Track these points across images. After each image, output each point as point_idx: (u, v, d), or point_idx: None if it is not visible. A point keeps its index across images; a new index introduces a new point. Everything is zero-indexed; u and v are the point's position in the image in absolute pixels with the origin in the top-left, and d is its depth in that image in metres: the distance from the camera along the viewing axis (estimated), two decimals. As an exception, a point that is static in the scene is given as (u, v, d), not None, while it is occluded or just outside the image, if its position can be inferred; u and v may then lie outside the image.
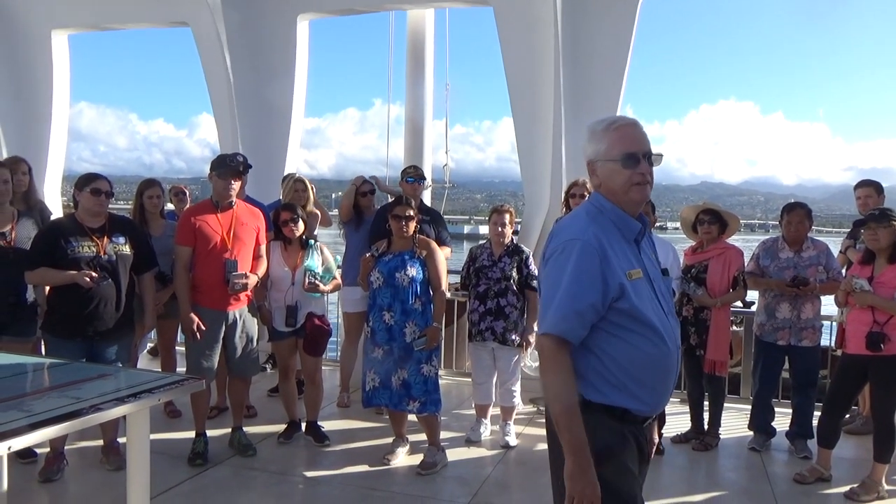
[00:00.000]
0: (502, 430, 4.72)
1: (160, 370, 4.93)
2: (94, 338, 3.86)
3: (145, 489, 3.00)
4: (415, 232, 4.32)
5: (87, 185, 3.88)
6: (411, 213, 4.26)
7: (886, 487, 3.98)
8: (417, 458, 4.30)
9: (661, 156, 2.03)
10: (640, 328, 1.95)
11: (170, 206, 5.70)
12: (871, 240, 3.99)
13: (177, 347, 5.19)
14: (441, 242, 5.21)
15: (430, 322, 4.22)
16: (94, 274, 3.75)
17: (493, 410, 4.92)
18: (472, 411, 5.03)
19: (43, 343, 4.03)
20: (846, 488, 4.01)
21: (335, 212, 5.90)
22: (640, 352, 1.95)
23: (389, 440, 4.52)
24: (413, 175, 5.32)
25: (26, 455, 4.10)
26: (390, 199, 5.48)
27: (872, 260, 4.04)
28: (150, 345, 6.09)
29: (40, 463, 4.01)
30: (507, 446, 4.61)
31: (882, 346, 3.85)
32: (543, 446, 4.61)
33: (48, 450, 4.00)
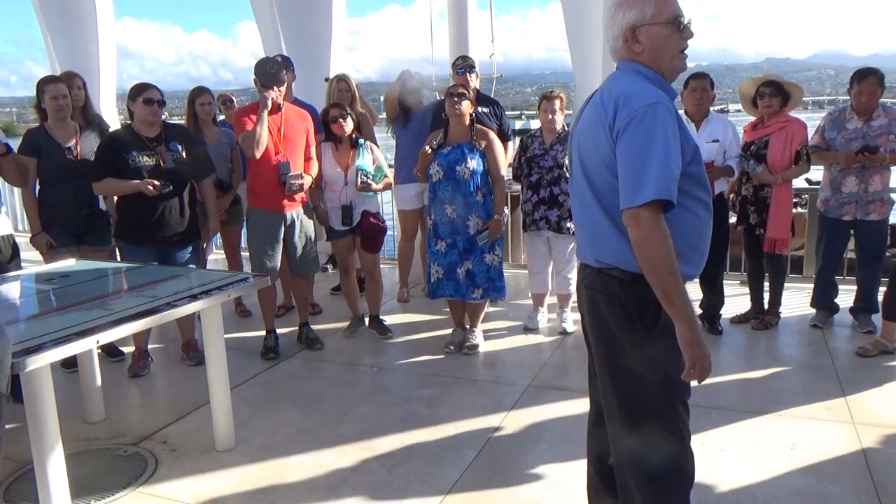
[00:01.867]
0: (559, 318, 4.81)
1: (228, 272, 5.16)
2: (163, 243, 4.05)
3: (224, 380, 3.23)
4: (472, 122, 4.29)
5: (139, 95, 3.96)
6: (465, 92, 4.27)
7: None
8: (488, 345, 4.51)
9: (691, 21, 1.95)
10: (700, 192, 1.93)
11: (221, 118, 5.76)
12: (949, 103, 3.74)
13: (242, 253, 5.41)
14: (503, 133, 5.16)
15: (491, 213, 4.27)
16: (156, 182, 3.88)
17: (550, 299, 5.00)
18: (529, 301, 5.12)
19: (118, 250, 4.25)
20: (911, 360, 3.98)
21: (382, 115, 5.85)
22: (697, 217, 1.94)
23: (450, 331, 4.68)
24: (462, 66, 5.20)
25: (114, 354, 4.43)
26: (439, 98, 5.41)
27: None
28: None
29: (128, 361, 4.33)
30: (564, 332, 4.71)
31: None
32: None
33: (133, 349, 4.31)
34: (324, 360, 4.45)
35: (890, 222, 4.69)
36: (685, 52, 1.96)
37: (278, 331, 4.62)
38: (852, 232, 4.63)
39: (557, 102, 4.57)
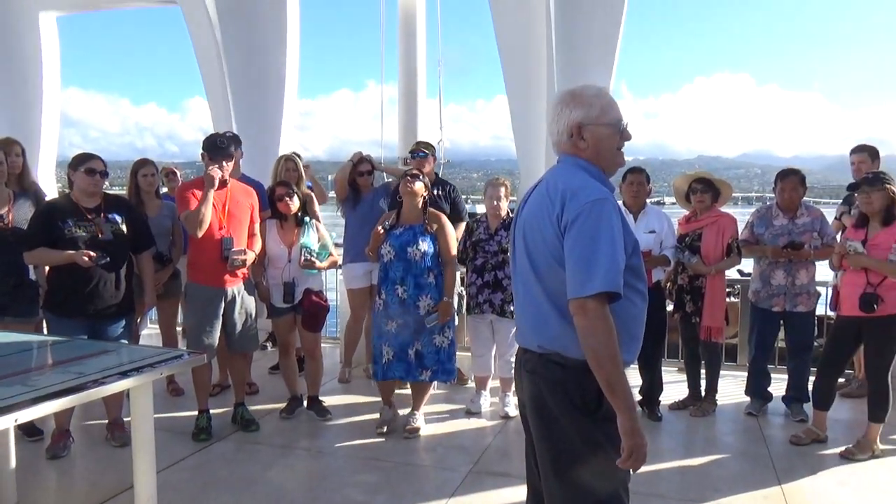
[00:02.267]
0: (502, 401, 4.77)
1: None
2: (94, 316, 3.89)
3: (151, 463, 3.05)
4: (425, 205, 4.36)
5: (81, 164, 3.89)
6: (419, 172, 4.37)
7: (881, 447, 4.05)
8: (430, 429, 4.44)
9: (628, 124, 2.12)
10: (638, 283, 2.01)
11: (163, 191, 5.69)
12: (865, 203, 4.02)
13: (178, 329, 5.24)
14: (459, 215, 5.25)
15: (442, 295, 4.28)
16: (92, 253, 3.77)
17: (493, 382, 4.98)
18: (472, 384, 5.08)
19: (45, 323, 4.06)
20: (842, 448, 4.07)
21: (331, 193, 5.90)
22: (635, 307, 2.01)
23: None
24: (420, 150, 5.34)
25: (33, 433, 4.16)
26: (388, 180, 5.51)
27: (866, 223, 4.07)
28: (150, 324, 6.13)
29: (47, 440, 4.06)
30: (506, 416, 4.67)
31: (875, 307, 3.89)
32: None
33: (54, 427, 4.05)
34: (258, 442, 4.27)
35: (817, 314, 4.91)
36: (622, 150, 2.11)
37: (212, 411, 4.43)
38: (782, 322, 4.81)
39: (503, 189, 4.70)
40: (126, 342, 3.96)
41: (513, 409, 4.70)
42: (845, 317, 4.11)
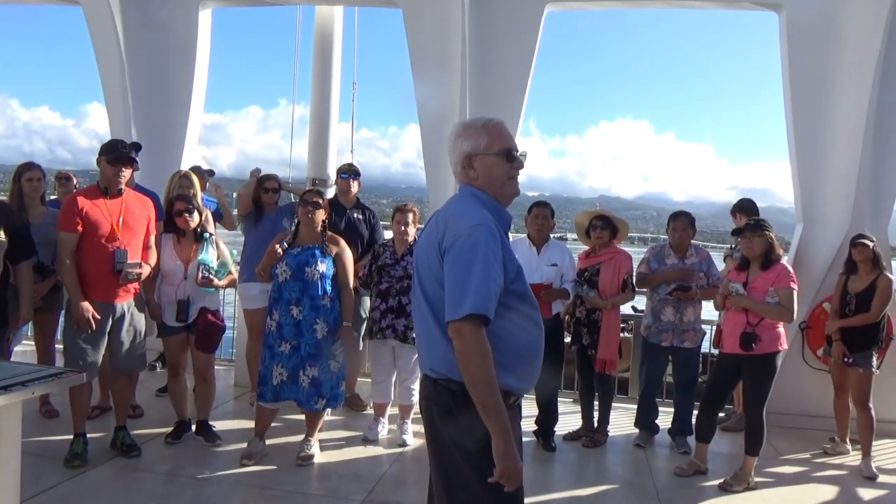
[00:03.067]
0: (400, 429, 4.72)
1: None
2: (-40, 329, 3.57)
3: (14, 492, 2.79)
4: (324, 227, 4.28)
5: (-43, 165, 3.59)
6: (320, 201, 4.24)
7: (756, 478, 4.29)
8: (324, 456, 4.32)
9: (525, 154, 2.16)
10: (527, 308, 2.06)
11: (52, 197, 5.34)
12: (747, 248, 4.30)
13: (56, 346, 4.88)
14: (375, 243, 5.21)
15: (338, 318, 4.20)
16: (-38, 260, 3.47)
17: (392, 409, 4.92)
18: (370, 410, 5.01)
19: None
20: (720, 480, 4.27)
21: (235, 211, 5.73)
22: (526, 332, 2.05)
23: (286, 439, 4.44)
24: (348, 171, 5.30)
25: None
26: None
27: (748, 267, 4.35)
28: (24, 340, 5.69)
29: None
30: (403, 444, 4.62)
31: (754, 345, 4.15)
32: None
33: None
34: (139, 469, 4.01)
35: (702, 351, 5.18)
36: (515, 179, 2.14)
37: (89, 435, 4.13)
38: (670, 357, 5.04)
39: (410, 215, 4.71)
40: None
41: (410, 438, 4.66)
42: (726, 354, 4.36)
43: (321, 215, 4.25)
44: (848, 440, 5.00)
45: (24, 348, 5.56)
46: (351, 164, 5.53)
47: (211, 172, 5.91)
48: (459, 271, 1.93)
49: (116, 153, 3.97)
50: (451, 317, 1.91)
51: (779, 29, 5.59)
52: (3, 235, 3.72)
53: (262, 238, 4.96)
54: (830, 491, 4.36)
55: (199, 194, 5.00)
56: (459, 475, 1.98)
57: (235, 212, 5.68)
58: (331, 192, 5.74)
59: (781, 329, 4.26)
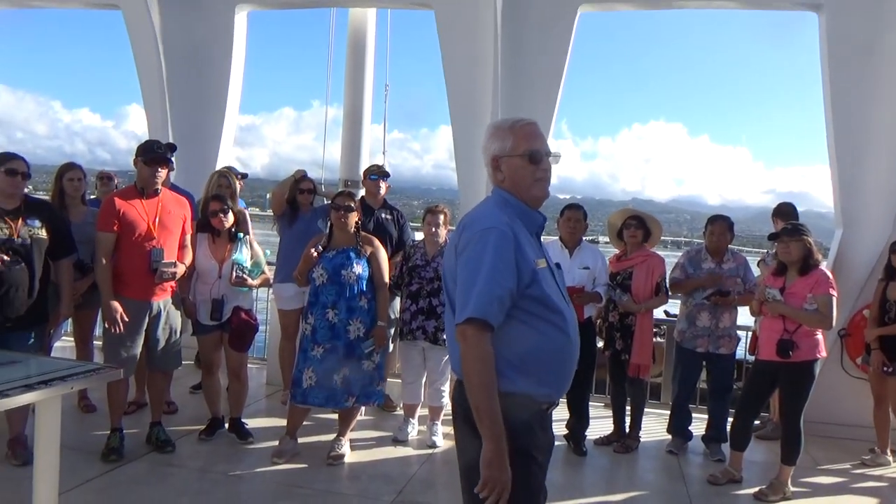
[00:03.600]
0: (429, 430, 4.73)
1: (75, 362, 4.72)
2: (3, 324, 3.66)
3: (53, 483, 2.86)
4: (357, 228, 4.30)
5: (1, 164, 3.70)
6: (352, 204, 4.26)
7: (792, 489, 4.19)
8: (355, 456, 4.34)
9: (559, 155, 2.13)
10: (549, 315, 2.01)
11: (92, 197, 5.46)
12: (784, 252, 4.20)
13: (95, 342, 4.99)
14: (403, 243, 5.23)
15: (374, 320, 4.22)
16: (4, 257, 3.58)
17: (422, 411, 4.92)
18: (401, 411, 5.02)
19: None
20: (755, 489, 4.19)
21: (269, 211, 5.79)
22: (548, 338, 2.01)
23: (318, 438, 4.48)
24: (376, 172, 5.32)
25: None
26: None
27: (785, 272, 4.25)
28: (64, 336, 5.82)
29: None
30: (433, 446, 4.62)
31: (791, 353, 4.06)
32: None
33: (-52, 442, 3.77)
34: (173, 464, 4.08)
35: (737, 357, 5.07)
36: (543, 181, 2.09)
37: (126, 430, 4.21)
38: (705, 363, 4.95)
39: (441, 217, 4.71)
40: (35, 353, 3.73)
41: (440, 440, 4.66)
42: (763, 361, 4.27)
43: (354, 217, 4.27)
44: (889, 451, 4.86)
45: (64, 344, 5.70)
46: (379, 166, 5.55)
47: (244, 175, 5.99)
48: (466, 275, 1.95)
49: (153, 154, 4.04)
50: (457, 319, 1.93)
51: (819, 29, 5.47)
52: (44, 233, 3.81)
53: (297, 239, 4.99)
54: (869, 503, 4.24)
55: (238, 194, 5.06)
56: (477, 477, 1.97)
57: (269, 211, 5.74)
58: (362, 192, 5.77)
59: (820, 336, 4.16)
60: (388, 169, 5.74)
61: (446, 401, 4.78)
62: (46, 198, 4.74)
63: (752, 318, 4.89)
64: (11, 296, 3.66)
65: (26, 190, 3.91)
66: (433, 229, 4.68)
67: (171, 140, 6.06)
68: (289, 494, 3.77)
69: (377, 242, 4.39)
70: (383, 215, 5.26)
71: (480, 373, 1.88)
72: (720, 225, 4.89)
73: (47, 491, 2.84)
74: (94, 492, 3.63)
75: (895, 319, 4.61)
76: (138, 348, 4.10)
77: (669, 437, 5.01)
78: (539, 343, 1.99)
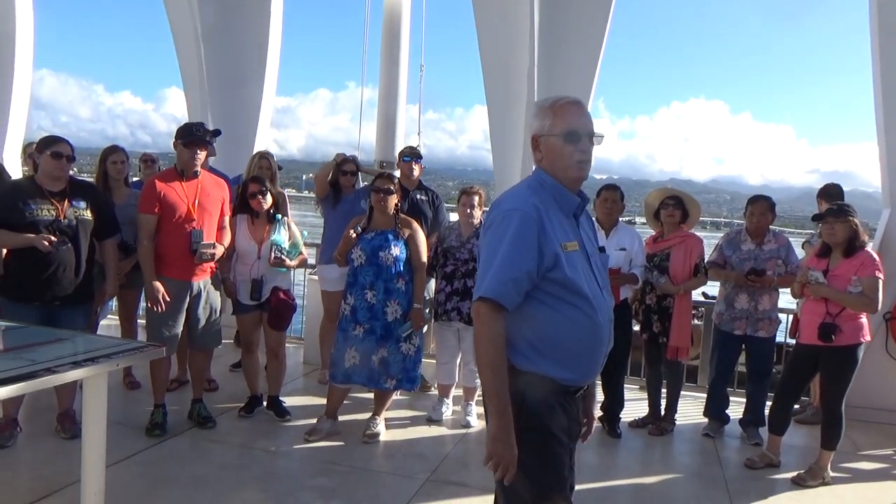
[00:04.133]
0: (464, 411, 4.76)
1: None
2: (52, 303, 3.79)
3: (100, 456, 2.97)
4: (397, 210, 4.32)
5: (47, 147, 3.80)
6: (391, 187, 4.28)
7: (832, 474, 4.12)
8: (390, 435, 4.40)
9: (602, 136, 2.08)
10: (573, 298, 1.98)
11: (135, 179, 5.58)
12: (828, 234, 4.09)
13: (139, 321, 5.12)
14: (439, 224, 5.25)
15: (411, 302, 4.25)
16: (52, 238, 3.68)
17: (456, 391, 4.96)
18: (435, 391, 5.07)
19: (-1, 307, 3.93)
20: (793, 474, 4.13)
21: (306, 192, 5.85)
22: (571, 322, 1.99)
23: (354, 416, 4.55)
24: (409, 154, 5.34)
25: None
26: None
27: (829, 254, 4.14)
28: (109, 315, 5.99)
29: (-7, 429, 3.93)
30: (467, 426, 4.65)
31: (833, 336, 3.96)
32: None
33: (1, 415, 3.92)
34: (214, 440, 4.19)
35: (777, 340, 4.98)
36: (582, 162, 2.04)
37: (168, 407, 4.34)
38: (743, 346, 4.88)
39: (476, 198, 4.70)
40: (82, 331, 3.86)
41: (474, 420, 4.69)
42: (804, 345, 4.18)
43: (393, 200, 4.29)
44: (935, 438, 4.75)
45: (109, 322, 5.87)
46: (413, 148, 5.55)
47: (279, 167, 6.06)
48: (486, 255, 1.97)
49: (192, 136, 4.10)
50: (473, 298, 1.97)
51: (869, 6, 5.27)
52: (89, 214, 3.92)
53: (341, 220, 5.01)
54: (914, 490, 4.16)
55: (277, 176, 5.12)
56: None
57: (305, 192, 5.79)
58: (396, 174, 5.79)
59: (864, 319, 4.06)
60: (422, 150, 5.74)
61: (480, 381, 4.78)
62: (91, 180, 4.87)
63: (794, 301, 4.78)
64: (59, 275, 3.78)
65: (71, 172, 4.01)
66: (468, 210, 4.67)
67: (210, 120, 6.16)
68: (326, 471, 3.84)
69: (416, 225, 4.41)
70: (419, 196, 5.28)
71: (488, 352, 1.90)
72: (761, 205, 4.77)
73: (95, 464, 2.95)
74: (140, 465, 3.75)
75: (944, 303, 4.47)
76: (180, 327, 4.21)
77: (706, 420, 4.96)
78: (561, 326, 1.99)
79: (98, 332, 4.69)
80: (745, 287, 4.70)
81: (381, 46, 6.77)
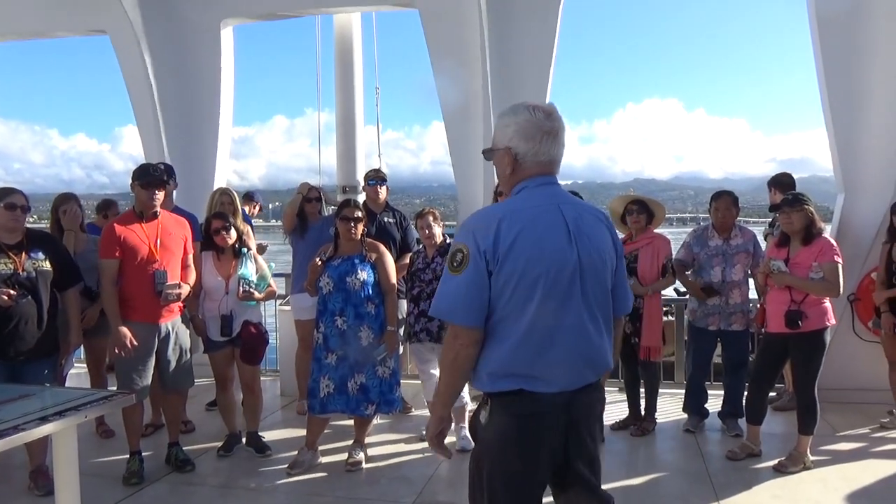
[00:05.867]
0: (457, 434, 4.61)
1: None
2: (15, 358, 3.70)
3: (76, 511, 2.89)
4: (363, 235, 4.31)
5: (0, 199, 3.72)
6: (359, 214, 4.27)
7: (812, 458, 4.18)
8: (373, 461, 4.35)
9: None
10: None
11: (91, 221, 5.47)
12: (786, 223, 4.19)
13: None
14: (408, 245, 5.24)
15: (383, 325, 4.22)
16: (11, 291, 3.60)
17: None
18: (419, 412, 5.02)
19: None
20: (775, 461, 4.19)
21: (273, 221, 5.83)
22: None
23: (335, 444, 4.51)
24: (374, 177, 5.34)
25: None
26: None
27: (788, 242, 4.24)
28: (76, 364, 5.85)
29: (-38, 493, 3.81)
30: (463, 450, 4.52)
31: (800, 323, 4.05)
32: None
33: (-30, 479, 3.81)
34: (194, 483, 4.11)
35: (752, 331, 5.05)
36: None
37: (144, 452, 4.24)
38: (719, 340, 4.94)
39: (430, 217, 4.69)
40: (49, 384, 3.77)
41: (469, 442, 4.56)
42: (772, 333, 4.26)
43: (361, 227, 4.29)
44: (907, 413, 4.85)
45: (79, 371, 5.74)
46: (377, 170, 5.56)
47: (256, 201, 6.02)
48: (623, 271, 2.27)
49: (149, 177, 4.06)
50: (625, 310, 2.27)
51: (804, -7, 5.43)
52: (48, 265, 3.84)
53: (310, 249, 4.97)
54: (891, 466, 4.23)
55: (240, 211, 5.08)
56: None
57: (273, 221, 5.76)
58: (362, 197, 5.79)
59: (828, 304, 4.15)
60: (385, 170, 5.74)
61: (466, 399, 4.74)
62: (46, 227, 4.77)
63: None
64: (21, 329, 3.69)
65: (30, 221, 3.93)
66: (427, 231, 4.67)
67: (167, 159, 6.10)
68: (311, 503, 3.79)
69: (382, 248, 4.40)
70: (386, 219, 5.28)
71: None
72: (724, 200, 4.86)
73: (71, 519, 2.87)
74: (119, 516, 3.66)
75: (902, 281, 4.59)
76: (150, 371, 4.13)
77: (685, 416, 5.01)
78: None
79: (67, 383, 4.60)
80: (715, 283, 4.77)
81: (335, 72, 6.80)
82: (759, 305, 4.71)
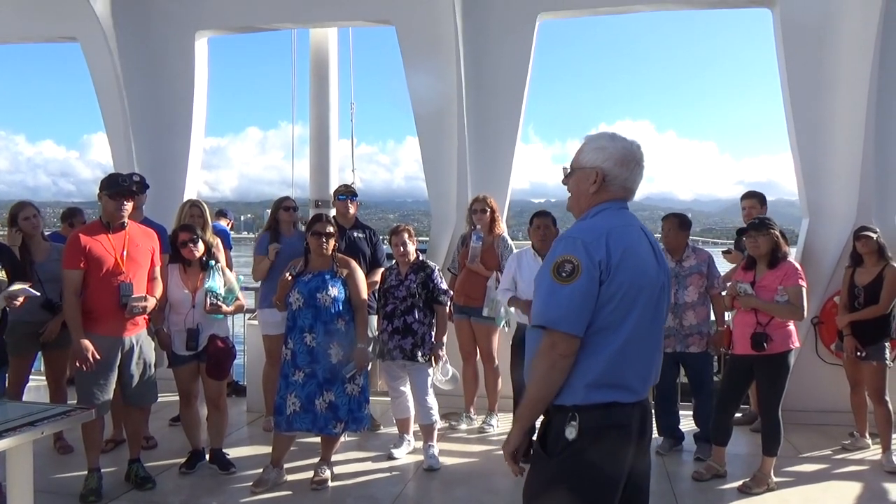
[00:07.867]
0: (425, 453, 4.59)
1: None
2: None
3: (29, 531, 2.80)
4: (334, 250, 4.28)
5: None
6: (331, 229, 4.24)
7: (776, 479, 4.22)
8: (339, 479, 4.30)
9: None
10: None
11: (54, 231, 5.35)
12: (752, 247, 4.26)
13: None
14: (378, 261, 5.21)
15: (353, 342, 4.18)
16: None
17: (416, 426, 4.84)
18: (388, 430, 4.97)
19: None
20: (740, 482, 4.22)
21: (244, 233, 5.76)
22: None
23: (301, 462, 4.43)
24: (345, 192, 5.31)
25: None
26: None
27: (754, 266, 4.31)
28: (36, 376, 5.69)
29: None
30: (431, 469, 4.48)
31: (765, 345, 4.11)
32: (459, 460, 4.62)
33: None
34: (155, 501, 4.01)
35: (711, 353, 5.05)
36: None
37: (104, 469, 4.13)
38: (680, 363, 4.94)
39: (405, 234, 4.69)
40: (3, 398, 3.65)
41: (437, 461, 4.52)
42: (738, 355, 4.31)
43: (333, 242, 4.26)
44: (867, 434, 4.93)
45: (38, 383, 5.58)
46: (348, 186, 5.54)
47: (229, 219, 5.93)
48: None
49: (117, 187, 3.99)
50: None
51: (773, 25, 5.58)
52: (2, 274, 3.73)
53: (281, 263, 4.91)
54: (853, 487, 4.30)
55: (209, 224, 5.01)
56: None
57: (245, 233, 5.70)
58: (333, 212, 5.75)
59: (792, 327, 4.22)
60: (359, 184, 5.72)
61: (436, 417, 4.70)
62: (3, 233, 4.65)
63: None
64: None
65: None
66: (401, 248, 4.66)
67: (136, 168, 6.00)
68: (275, 523, 3.72)
69: (353, 264, 4.36)
70: (356, 234, 5.25)
71: None
72: (669, 222, 4.87)
73: (23, 540, 2.78)
74: (74, 535, 3.55)
75: (864, 304, 4.68)
76: (112, 386, 4.02)
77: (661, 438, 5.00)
78: None
79: (25, 396, 4.47)
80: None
81: (309, 86, 6.77)
82: (716, 328, 4.76)
